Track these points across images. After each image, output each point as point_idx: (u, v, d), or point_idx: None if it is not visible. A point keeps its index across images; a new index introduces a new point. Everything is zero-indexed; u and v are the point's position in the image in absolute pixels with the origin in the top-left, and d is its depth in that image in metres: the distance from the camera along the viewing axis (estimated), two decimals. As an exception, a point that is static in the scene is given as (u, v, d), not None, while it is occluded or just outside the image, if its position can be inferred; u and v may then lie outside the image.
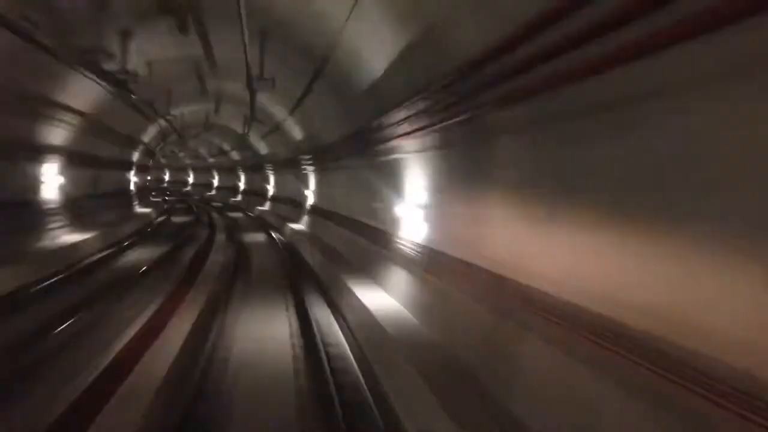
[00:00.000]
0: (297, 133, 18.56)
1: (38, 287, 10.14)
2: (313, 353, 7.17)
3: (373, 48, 7.99)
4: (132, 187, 25.96)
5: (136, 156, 25.68)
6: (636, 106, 3.71)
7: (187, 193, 52.15)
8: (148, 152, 29.05)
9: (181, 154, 48.04)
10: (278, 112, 17.90)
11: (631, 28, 3.05)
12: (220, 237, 19.39)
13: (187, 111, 22.40)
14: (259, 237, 21.10)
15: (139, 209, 26.45)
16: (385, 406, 5.45)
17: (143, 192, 30.06)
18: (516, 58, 4.32)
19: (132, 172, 25.79)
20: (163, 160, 48.73)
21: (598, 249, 4.30)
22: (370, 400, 5.96)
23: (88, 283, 11.29)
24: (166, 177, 57.09)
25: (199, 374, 6.41)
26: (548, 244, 5.02)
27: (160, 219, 27.03)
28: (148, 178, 34.43)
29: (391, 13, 6.94)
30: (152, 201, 33.89)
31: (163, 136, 27.65)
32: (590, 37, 3.39)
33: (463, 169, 7.06)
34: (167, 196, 45.63)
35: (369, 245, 11.44)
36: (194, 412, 5.43)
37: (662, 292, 3.54)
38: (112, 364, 5.95)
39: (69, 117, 14.26)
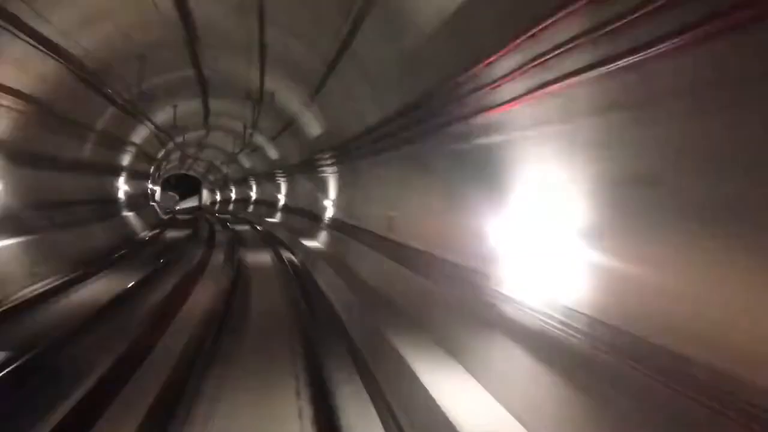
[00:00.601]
0: (273, 154, 27.95)
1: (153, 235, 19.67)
2: (281, 259, 16.68)
3: (311, 128, 17.47)
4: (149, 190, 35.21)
5: (151, 169, 34.77)
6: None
7: None
8: (157, 166, 38.09)
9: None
10: (259, 140, 27.30)
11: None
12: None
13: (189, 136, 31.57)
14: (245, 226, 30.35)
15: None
16: (307, 269, 14.92)
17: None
18: (374, 136, 13.25)
19: (149, 180, 34.90)
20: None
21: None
22: (302, 271, 15.38)
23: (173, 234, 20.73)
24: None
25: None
26: (367, 210, 14.47)
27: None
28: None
29: (319, 115, 16.36)
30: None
31: (167, 154, 36.68)
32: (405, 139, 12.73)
33: (342, 183, 16.52)
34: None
35: (313, 223, 20.85)
36: (239, 272, 14.76)
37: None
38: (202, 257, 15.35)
39: (132, 148, 23.42)
